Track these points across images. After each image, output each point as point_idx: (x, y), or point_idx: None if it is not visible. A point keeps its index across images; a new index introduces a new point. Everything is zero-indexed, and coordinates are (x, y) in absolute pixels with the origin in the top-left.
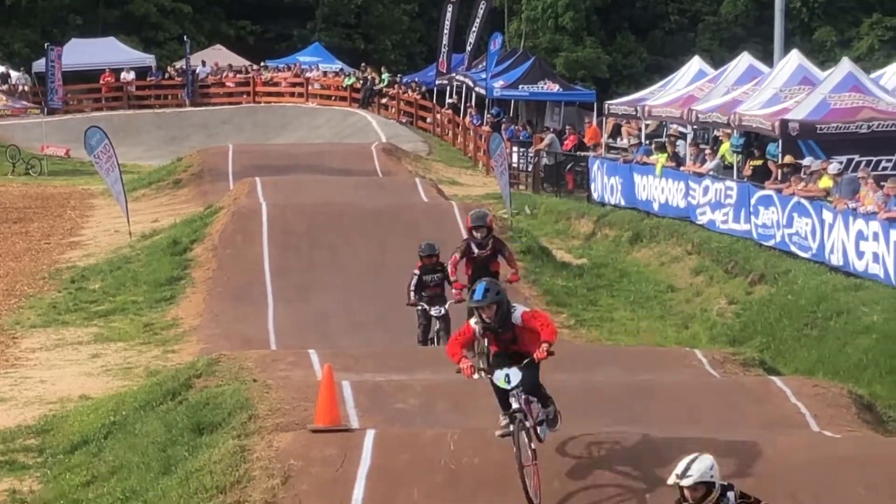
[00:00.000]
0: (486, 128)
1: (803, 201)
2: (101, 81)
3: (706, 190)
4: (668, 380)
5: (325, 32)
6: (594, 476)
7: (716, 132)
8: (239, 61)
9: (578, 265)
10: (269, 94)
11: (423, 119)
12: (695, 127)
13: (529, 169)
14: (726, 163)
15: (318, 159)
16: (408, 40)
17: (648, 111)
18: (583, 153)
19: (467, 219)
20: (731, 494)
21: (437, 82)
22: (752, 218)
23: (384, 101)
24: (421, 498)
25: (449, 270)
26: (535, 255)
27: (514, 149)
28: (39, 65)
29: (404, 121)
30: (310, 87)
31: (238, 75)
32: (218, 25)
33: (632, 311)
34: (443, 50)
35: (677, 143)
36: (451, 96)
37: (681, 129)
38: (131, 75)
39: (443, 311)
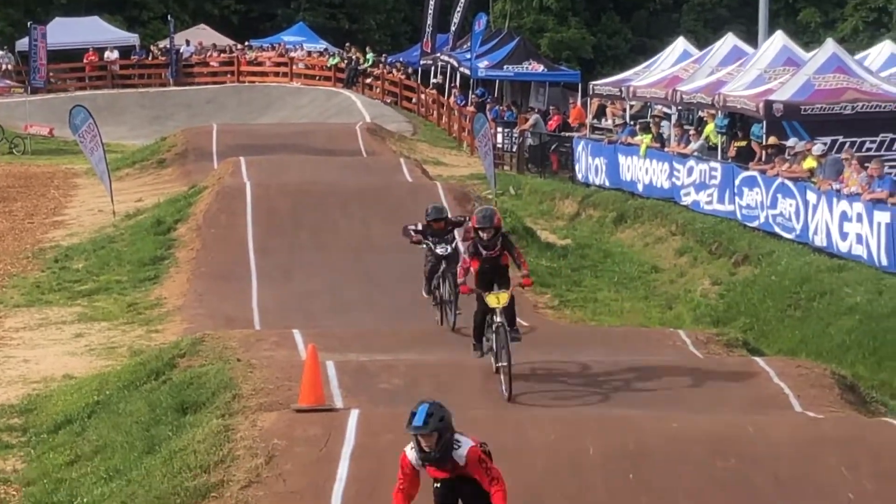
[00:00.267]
0: (470, 108)
1: (787, 182)
2: (85, 60)
3: (690, 171)
4: (652, 360)
5: (310, 12)
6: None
7: (700, 113)
8: (223, 41)
9: (563, 246)
10: (254, 73)
11: (408, 99)
12: (679, 108)
13: (514, 149)
14: (711, 144)
15: (303, 139)
16: (392, 20)
17: (633, 92)
18: (567, 134)
19: (472, 218)
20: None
21: (421, 62)
22: (737, 199)
23: (369, 81)
24: None
25: (458, 274)
26: (520, 235)
27: (499, 129)
28: (23, 44)
29: (389, 101)
30: (294, 67)
31: (222, 55)
32: (202, 5)
33: (616, 292)
34: (427, 30)
35: (661, 124)
36: (435, 76)
37: (665, 109)
38: (115, 54)
39: (449, 250)
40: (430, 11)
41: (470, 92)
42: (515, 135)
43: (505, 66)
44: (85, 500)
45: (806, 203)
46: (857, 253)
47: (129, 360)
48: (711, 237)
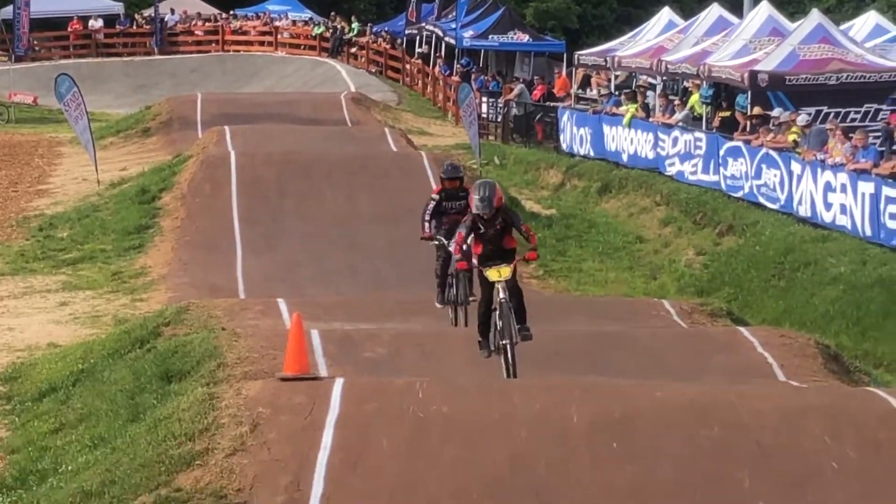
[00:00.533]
0: (455, 78)
1: (772, 153)
2: (69, 29)
3: (675, 141)
4: (636, 330)
5: None
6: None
7: (685, 83)
8: (208, 10)
9: (547, 216)
10: (238, 42)
11: (393, 69)
12: (664, 78)
13: (499, 119)
14: (695, 114)
15: (288, 108)
16: None
17: (618, 62)
18: (552, 104)
19: (470, 197)
20: None
21: (406, 32)
22: (721, 169)
23: (354, 50)
24: (390, 446)
25: (453, 250)
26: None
27: (484, 99)
28: (7, 12)
29: (373, 70)
30: (279, 36)
31: (207, 24)
32: None
33: (600, 262)
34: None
35: (647, 94)
36: (420, 46)
37: (650, 80)
38: (99, 23)
39: (464, 247)
40: None
41: (455, 62)
42: (500, 105)
43: (490, 36)
44: (69, 467)
45: (790, 173)
46: (841, 223)
47: (114, 329)
48: (696, 207)
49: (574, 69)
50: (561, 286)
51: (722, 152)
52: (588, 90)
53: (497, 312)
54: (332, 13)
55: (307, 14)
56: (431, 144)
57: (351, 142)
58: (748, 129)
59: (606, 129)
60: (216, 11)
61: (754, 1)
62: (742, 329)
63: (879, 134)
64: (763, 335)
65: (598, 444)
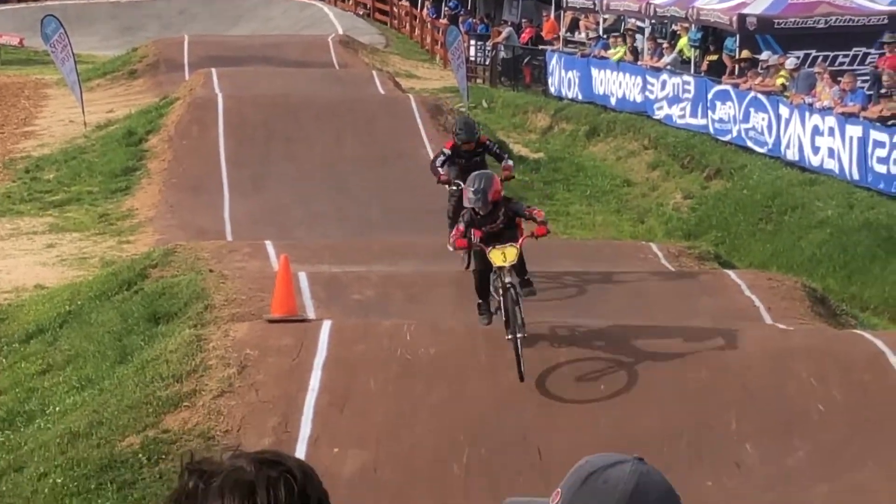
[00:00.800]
0: (443, 21)
1: (760, 96)
2: None
3: (663, 84)
4: (623, 273)
5: None
6: (548, 367)
7: (673, 26)
8: None
9: (535, 159)
10: None
11: (381, 11)
12: (652, 21)
13: (487, 62)
14: (684, 57)
15: (275, 51)
16: None
17: (606, 5)
18: (540, 47)
19: (464, 191)
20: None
21: None
22: (709, 113)
23: None
24: (377, 387)
25: (451, 242)
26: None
27: (472, 42)
28: None
29: (361, 13)
30: None
31: None
32: None
33: (588, 205)
34: None
35: (635, 38)
36: None
37: (638, 23)
38: None
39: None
40: None
41: (443, 4)
42: (488, 48)
43: None
44: (57, 408)
45: (778, 117)
46: (829, 167)
47: (101, 271)
48: (684, 151)
49: (562, 12)
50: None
51: (710, 96)
52: (576, 33)
53: (502, 300)
54: None
55: None
56: (419, 87)
57: (338, 84)
58: (736, 72)
59: (595, 72)
60: None
61: None
62: (729, 272)
63: (867, 78)
64: (750, 278)
65: (584, 386)
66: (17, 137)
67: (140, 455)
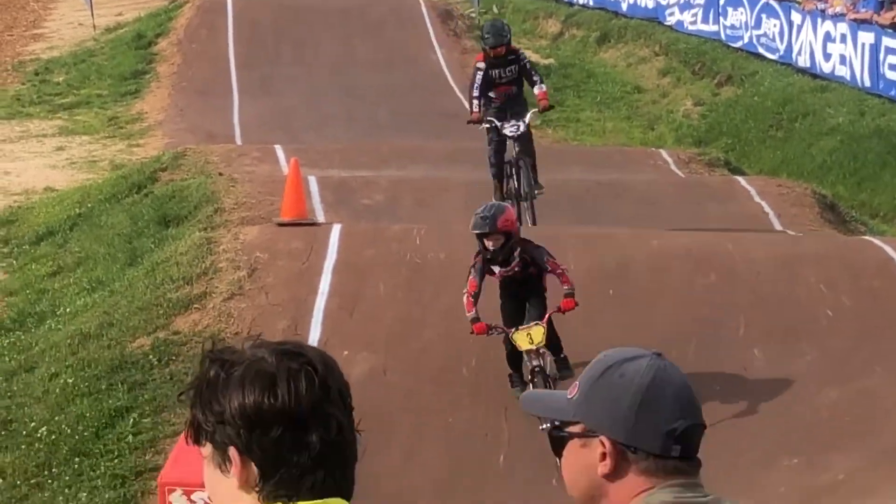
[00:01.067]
0: None
1: (772, 2)
2: None
3: None
4: (634, 179)
5: None
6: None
7: None
8: None
9: (546, 65)
10: None
11: None
12: None
13: None
14: None
15: None
16: None
17: None
18: None
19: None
20: None
21: None
22: (721, 19)
23: None
24: (387, 291)
25: (465, 305)
26: None
27: None
28: None
29: None
30: None
31: None
32: None
33: (598, 112)
34: None
35: None
36: None
37: None
38: None
39: (521, 128)
40: None
41: None
42: None
43: None
44: (67, 309)
45: (790, 23)
46: (840, 74)
47: (111, 174)
48: (695, 57)
49: None
50: (559, 136)
51: (722, 2)
52: None
53: (532, 385)
54: None
55: None
56: None
57: None
58: None
59: None
60: None
61: None
62: (739, 178)
63: None
64: (760, 184)
65: (594, 291)
66: (27, 40)
67: (150, 356)
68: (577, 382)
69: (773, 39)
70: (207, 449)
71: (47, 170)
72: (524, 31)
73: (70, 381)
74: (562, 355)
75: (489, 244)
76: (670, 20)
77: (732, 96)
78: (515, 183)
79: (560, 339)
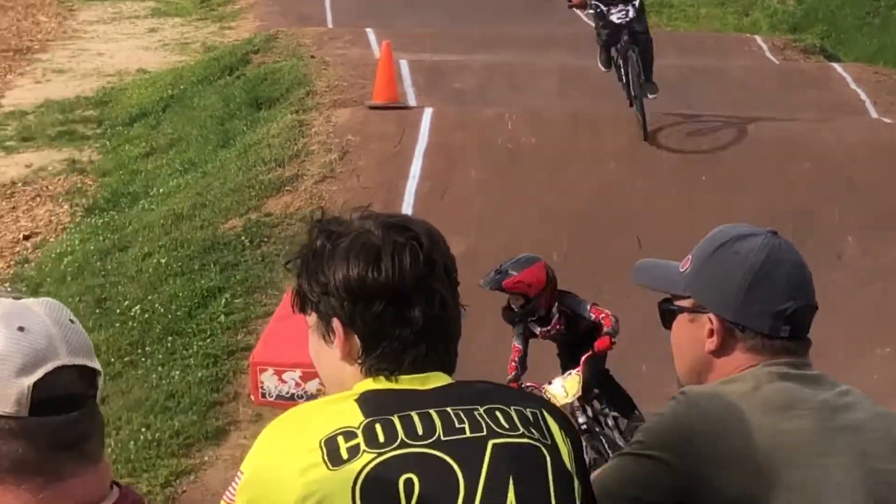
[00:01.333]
0: None
1: None
2: None
3: None
4: (728, 65)
5: None
6: (651, 158)
7: None
8: None
9: None
10: None
11: None
12: None
13: None
14: None
15: None
16: None
17: None
18: None
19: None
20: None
21: None
22: None
23: None
24: (478, 176)
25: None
26: None
27: None
28: None
29: None
30: None
31: None
32: None
33: None
34: None
35: None
36: None
37: None
38: None
39: (631, 13)
40: None
41: None
42: None
43: None
44: (160, 190)
45: None
46: None
47: (203, 56)
48: None
49: None
50: (651, 21)
51: None
52: None
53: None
54: None
55: None
56: None
57: None
58: None
59: None
60: None
61: None
62: (835, 65)
63: None
64: (856, 71)
65: (687, 176)
66: None
67: (242, 237)
68: (691, 256)
69: None
70: (312, 318)
71: (140, 51)
72: None
73: (163, 260)
74: (635, 412)
75: (511, 303)
76: None
77: None
78: (624, 78)
79: (627, 395)
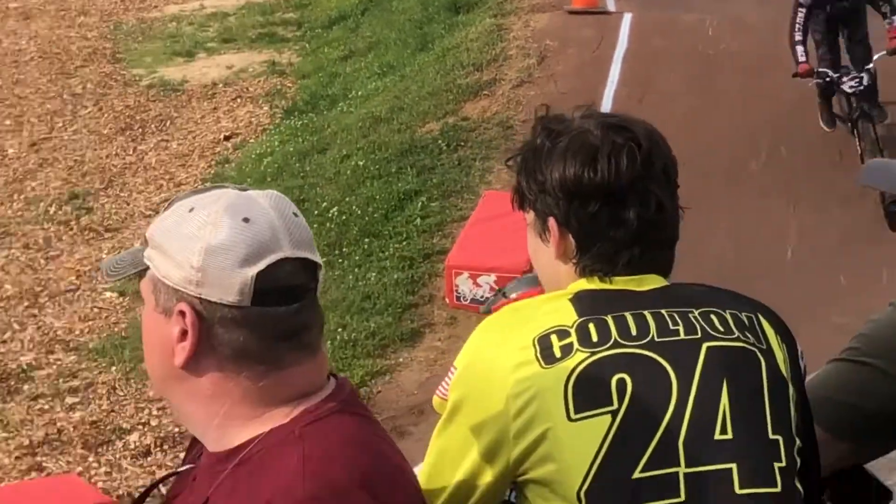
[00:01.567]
0: None
1: None
2: None
3: None
4: None
5: None
6: None
7: None
8: None
9: None
10: None
11: None
12: None
13: None
14: None
15: None
16: None
17: None
18: None
19: None
20: None
21: None
22: None
23: None
24: (676, 81)
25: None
26: None
27: None
28: None
29: None
30: None
31: None
32: None
33: None
34: None
35: None
36: None
37: None
38: None
39: (866, 81)
40: None
41: None
42: None
43: None
44: (359, 93)
45: None
46: None
47: None
48: None
49: None
50: None
51: None
52: None
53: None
54: None
55: None
56: None
57: None
58: None
59: None
60: None
61: None
62: None
63: None
64: None
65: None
66: None
67: (439, 141)
68: None
69: None
70: (530, 216)
71: None
72: None
73: (361, 163)
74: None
75: None
76: None
77: None
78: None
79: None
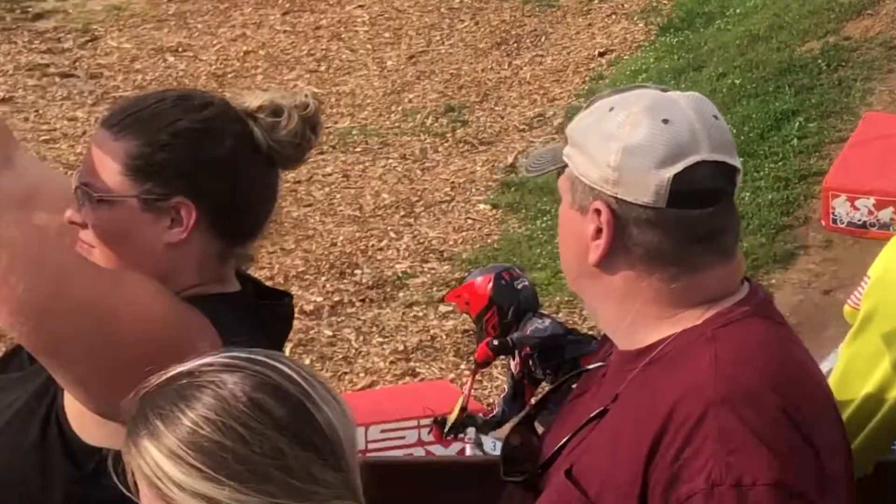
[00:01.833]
0: None
1: None
2: None
3: None
4: None
5: None
6: None
7: None
8: None
9: None
10: None
11: None
12: None
13: None
14: None
15: None
16: None
17: None
18: None
19: None
20: None
21: None
22: None
23: None
24: None
25: None
26: None
27: None
28: None
29: None
30: None
31: None
32: None
33: None
34: None
35: None
36: None
37: None
38: None
39: None
40: None
41: None
42: None
43: None
44: (737, 10)
45: None
46: None
47: None
48: None
49: None
50: None
51: None
52: None
53: None
54: None
55: None
56: None
57: None
58: None
59: None
60: None
61: None
62: None
63: None
64: None
65: None
66: None
67: (819, 61)
68: None
69: None
70: None
71: None
72: None
73: (737, 81)
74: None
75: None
76: None
77: None
78: None
79: None
